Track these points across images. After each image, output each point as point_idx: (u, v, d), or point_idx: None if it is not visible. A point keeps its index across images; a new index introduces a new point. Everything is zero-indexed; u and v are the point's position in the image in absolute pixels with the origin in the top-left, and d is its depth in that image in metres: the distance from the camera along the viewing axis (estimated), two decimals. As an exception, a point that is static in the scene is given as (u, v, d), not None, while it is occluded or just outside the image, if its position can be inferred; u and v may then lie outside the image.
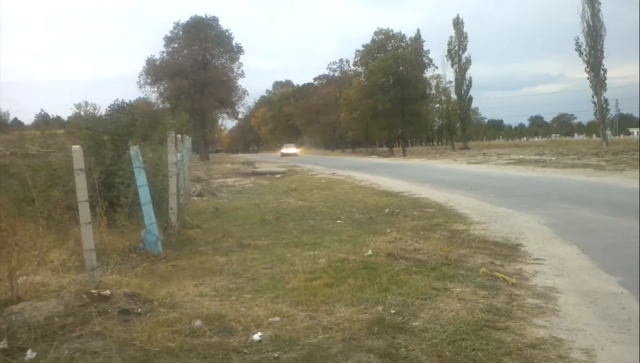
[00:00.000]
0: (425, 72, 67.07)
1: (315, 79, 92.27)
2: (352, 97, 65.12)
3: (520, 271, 7.39)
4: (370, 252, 7.89)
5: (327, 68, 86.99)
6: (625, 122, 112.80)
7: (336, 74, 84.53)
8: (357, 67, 74.18)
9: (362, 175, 26.40)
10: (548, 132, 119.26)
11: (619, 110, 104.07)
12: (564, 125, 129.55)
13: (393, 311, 5.46)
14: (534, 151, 45.82)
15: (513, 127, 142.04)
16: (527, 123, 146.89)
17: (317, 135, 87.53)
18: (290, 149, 70.28)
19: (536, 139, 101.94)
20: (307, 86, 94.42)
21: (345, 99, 66.68)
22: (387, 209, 13.28)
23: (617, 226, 10.55)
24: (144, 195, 8.60)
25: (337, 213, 13.23)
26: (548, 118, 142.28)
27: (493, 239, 9.52)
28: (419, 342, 4.71)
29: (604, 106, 50.59)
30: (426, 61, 67.11)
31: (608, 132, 60.11)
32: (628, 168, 25.28)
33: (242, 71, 62.29)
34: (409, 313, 5.44)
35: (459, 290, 6.25)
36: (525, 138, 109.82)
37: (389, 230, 10.15)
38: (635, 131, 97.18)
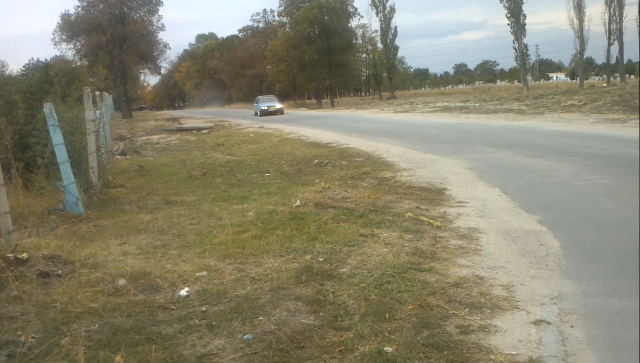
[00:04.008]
0: (350, 21, 66.77)
1: (239, 30, 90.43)
2: (278, 48, 64.18)
3: (445, 214, 7.57)
4: (298, 203, 7.88)
5: (250, 19, 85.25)
6: (545, 67, 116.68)
7: (261, 25, 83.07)
8: (281, 17, 72.92)
9: (291, 127, 26.28)
10: (472, 80, 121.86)
11: (539, 55, 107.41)
12: (487, 72, 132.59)
13: (321, 259, 5.49)
14: (459, 98, 46.77)
15: (438, 75, 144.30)
16: (451, 71, 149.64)
17: (244, 88, 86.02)
18: (272, 103, 45.86)
19: (460, 86, 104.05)
20: (231, 39, 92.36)
21: (271, 51, 65.64)
22: (316, 161, 13.29)
23: (537, 167, 10.96)
24: (61, 154, 8.22)
25: (265, 166, 13.14)
26: (472, 66, 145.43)
27: (419, 184, 9.70)
28: (346, 288, 4.76)
29: (525, 51, 51.98)
30: (351, 10, 66.69)
31: (529, 77, 62.06)
32: (547, 111, 26.25)
33: (163, 24, 60.25)
34: (337, 260, 5.49)
35: (385, 235, 6.35)
36: (450, 86, 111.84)
37: (317, 181, 10.17)
38: (554, 75, 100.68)
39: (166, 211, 8.30)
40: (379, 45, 67.67)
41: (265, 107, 44.24)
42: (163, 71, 75.83)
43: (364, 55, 77.59)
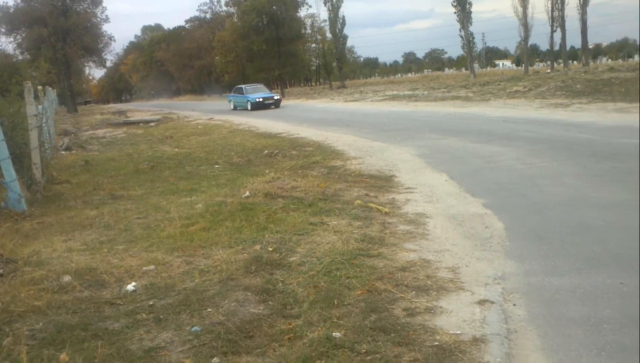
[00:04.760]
0: (299, 11, 66.48)
1: (186, 21, 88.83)
2: (226, 39, 63.45)
3: (393, 200, 7.66)
4: (247, 194, 7.84)
5: (197, 10, 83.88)
6: (492, 55, 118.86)
7: (208, 15, 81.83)
8: (229, 7, 71.99)
9: (240, 119, 26.09)
10: (421, 68, 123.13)
11: (485, 43, 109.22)
12: (436, 60, 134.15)
13: (271, 249, 5.49)
14: (408, 86, 47.30)
15: (388, 64, 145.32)
16: (401, 60, 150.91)
17: (192, 80, 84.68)
18: (265, 94, 35.87)
19: (410, 75, 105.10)
20: (178, 30, 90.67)
21: (219, 42, 64.84)
22: (266, 151, 13.24)
23: (482, 153, 11.19)
24: (1, 151, 7.96)
25: (215, 158, 13.02)
26: (420, 54, 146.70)
27: (368, 172, 9.78)
28: (295, 276, 4.78)
29: (471, 39, 52.97)
30: (299, 0, 66.48)
31: (476, 65, 63.20)
32: (493, 98, 26.80)
33: (107, 16, 58.81)
34: (287, 250, 5.49)
35: (335, 223, 6.38)
36: (399, 75, 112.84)
37: (267, 171, 10.14)
38: (501, 62, 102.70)
39: (112, 206, 8.14)
40: (328, 35, 67.79)
41: (260, 99, 33.92)
42: (109, 63, 73.78)
43: (314, 45, 77.48)
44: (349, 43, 71.66)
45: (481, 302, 4.17)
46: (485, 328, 3.76)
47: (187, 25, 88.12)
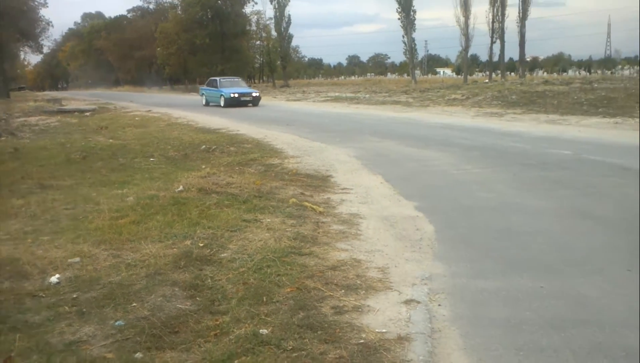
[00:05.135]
0: (245, 7, 66.03)
1: (128, 11, 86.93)
2: (169, 31, 62.35)
3: (328, 200, 7.70)
4: (181, 188, 7.72)
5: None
6: (433, 62, 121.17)
7: (151, 6, 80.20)
8: (173, -1, 70.87)
9: (180, 112, 25.65)
10: (364, 72, 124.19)
11: (427, 50, 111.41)
12: (379, 64, 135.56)
13: (201, 245, 5.42)
14: (350, 89, 47.68)
15: (332, 66, 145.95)
16: (345, 62, 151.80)
17: (132, 71, 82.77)
18: (243, 90, 31.16)
19: (353, 78, 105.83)
20: (120, 19, 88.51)
21: (161, 33, 63.61)
22: (204, 146, 13.08)
23: (418, 157, 11.41)
24: None
25: (150, 150, 12.75)
26: (364, 58, 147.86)
27: (305, 171, 9.80)
28: (225, 272, 4.74)
29: (414, 46, 53.86)
30: (246, -5, 66.01)
31: (417, 71, 64.35)
32: (432, 104, 27.37)
33: (45, 1, 56.56)
34: (218, 245, 5.44)
35: (268, 220, 6.36)
36: (343, 77, 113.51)
37: (203, 166, 10.01)
38: (441, 70, 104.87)
39: (40, 196, 7.85)
40: (273, 33, 67.60)
41: (235, 95, 29.19)
42: (45, 50, 71.47)
43: (258, 42, 77.15)
44: (294, 42, 71.69)
45: (408, 302, 4.24)
46: (410, 327, 3.82)
47: (129, 15, 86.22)
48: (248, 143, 13.81)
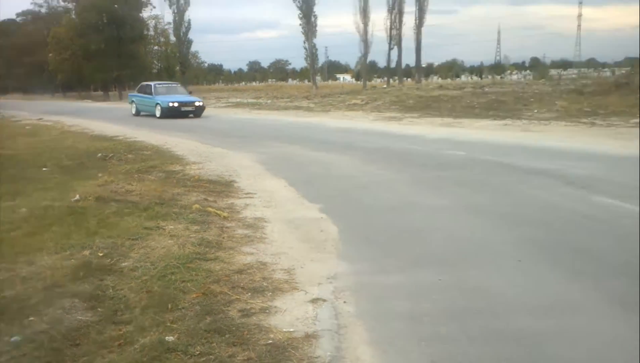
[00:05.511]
0: (142, 12, 64.19)
1: (18, 15, 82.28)
2: (62, 35, 59.51)
3: (232, 205, 7.66)
4: (77, 197, 7.42)
5: (31, 3, 77.82)
6: (333, 68, 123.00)
7: (43, 10, 76.36)
8: (67, 3, 67.69)
9: (74, 120, 24.57)
10: (265, 77, 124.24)
11: (327, 57, 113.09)
12: (280, 70, 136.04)
13: (101, 254, 5.23)
14: (252, 94, 47.60)
15: (232, 72, 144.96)
16: (245, 68, 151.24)
17: (22, 78, 78.32)
18: (185, 98, 26.55)
19: (254, 84, 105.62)
20: (8, 23, 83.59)
21: (54, 38, 60.61)
22: (100, 154, 12.60)
23: (321, 160, 11.58)
24: None
25: (43, 160, 12.12)
26: (265, 64, 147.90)
27: (207, 177, 9.69)
28: (128, 281, 4.61)
29: (315, 52, 54.54)
30: (143, 0, 64.23)
31: (318, 77, 65.13)
32: (333, 109, 27.86)
33: None
34: (119, 254, 5.27)
35: (171, 227, 6.24)
36: (243, 83, 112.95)
37: (100, 175, 9.66)
38: (342, 76, 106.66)
39: None
40: (172, 38, 66.18)
41: (174, 104, 24.99)
42: None
43: (156, 47, 75.23)
44: (193, 48, 70.27)
45: (314, 301, 4.31)
46: (317, 324, 3.89)
47: (18, 19, 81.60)
48: (147, 150, 13.46)
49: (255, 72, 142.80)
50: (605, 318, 3.89)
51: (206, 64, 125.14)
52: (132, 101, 28.16)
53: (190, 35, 63.61)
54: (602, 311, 4.00)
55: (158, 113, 25.14)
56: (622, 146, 12.55)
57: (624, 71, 29.71)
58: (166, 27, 68.27)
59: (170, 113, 24.59)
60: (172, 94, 26.59)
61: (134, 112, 27.48)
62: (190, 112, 25.37)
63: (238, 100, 39.41)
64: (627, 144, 12.72)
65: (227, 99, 42.05)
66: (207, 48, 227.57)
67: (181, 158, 12.09)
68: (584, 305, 4.14)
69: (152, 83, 27.74)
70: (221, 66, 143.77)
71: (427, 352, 3.50)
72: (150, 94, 26.35)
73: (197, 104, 25.88)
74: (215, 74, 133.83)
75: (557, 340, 3.60)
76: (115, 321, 3.90)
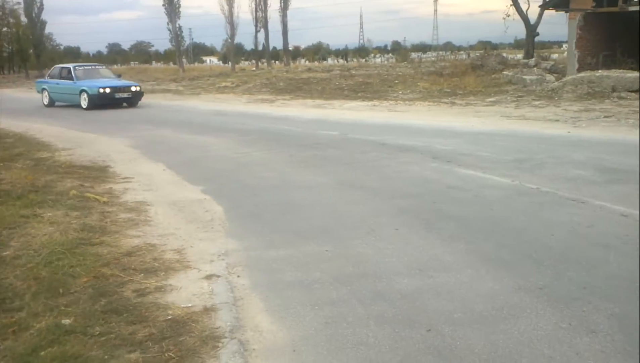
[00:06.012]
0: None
1: None
2: None
3: (111, 190, 7.51)
4: (-62, 188, 6.94)
5: None
6: (199, 51, 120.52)
7: None
8: None
9: None
10: (127, 60, 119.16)
11: (192, 39, 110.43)
12: (142, 53, 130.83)
13: (-23, 245, 5.01)
14: (115, 78, 45.57)
15: (91, 54, 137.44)
16: (105, 51, 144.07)
17: None
18: (119, 83, 21.80)
19: (115, 66, 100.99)
20: None
21: None
22: (-45, 143, 11.72)
23: (197, 143, 11.56)
24: None
25: None
26: (126, 46, 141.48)
27: (80, 163, 9.36)
28: (12, 270, 4.46)
29: (179, 33, 53.19)
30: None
31: (184, 60, 63.64)
32: (204, 92, 27.60)
33: None
34: (-3, 244, 5.07)
35: (50, 214, 6.04)
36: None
37: (-41, 164, 9.03)
38: (208, 59, 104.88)
39: None
40: (24, 19, 61.64)
41: (105, 90, 20.28)
42: None
43: (5, 28, 69.73)
44: (47, 29, 65.85)
45: (208, 277, 4.43)
46: (214, 298, 4.02)
47: None
48: (9, 137, 12.68)
49: (115, 55, 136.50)
50: (476, 275, 4.35)
51: (62, 47, 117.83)
52: (44, 89, 22.69)
53: (44, 17, 59.64)
54: (473, 269, 4.46)
55: (84, 103, 20.36)
56: (481, 123, 13.63)
57: (478, 54, 31.87)
58: (15, 7, 63.41)
59: (101, 101, 20.18)
60: (98, 78, 21.65)
61: (46, 102, 22.39)
62: (125, 99, 20.95)
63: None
64: (485, 121, 13.84)
65: (89, 83, 39.96)
66: (62, 30, 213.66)
67: (48, 145, 11.54)
68: (456, 264, 4.59)
69: (70, 65, 22.85)
70: (79, 48, 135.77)
71: (320, 314, 3.76)
72: (70, 79, 21.29)
73: (133, 89, 21.22)
74: (72, 57, 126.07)
75: (435, 296, 4.00)
76: (5, 309, 3.80)
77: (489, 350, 3.23)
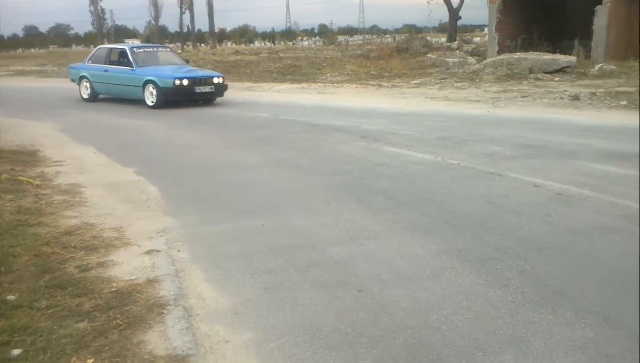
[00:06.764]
0: None
1: None
2: None
3: (43, 173, 7.45)
4: None
5: None
6: (120, 33, 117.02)
7: None
8: None
9: None
10: (45, 44, 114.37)
11: (114, 21, 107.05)
12: (62, 35, 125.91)
13: None
14: (34, 62, 43.81)
15: (6, 37, 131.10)
16: (21, 34, 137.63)
17: None
18: (184, 70, 15.19)
19: (33, 50, 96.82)
20: None
21: None
22: None
23: (127, 126, 11.55)
24: None
25: None
26: (43, 29, 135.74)
27: (8, 148, 9.17)
28: (-52, 252, 4.47)
29: (102, 16, 51.71)
30: None
31: (106, 42, 61.81)
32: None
33: None
34: None
35: (-18, 198, 6.00)
36: (20, 50, 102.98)
37: None
38: (130, 41, 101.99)
39: None
40: None
41: (183, 82, 14.22)
42: None
43: None
44: (-43, 10, 62.49)
45: (149, 252, 4.59)
46: (156, 271, 4.19)
47: None
48: None
49: (33, 38, 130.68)
50: (402, 241, 4.71)
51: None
52: (83, 77, 16.52)
53: (-46, -4, 56.32)
54: (400, 236, 4.82)
55: (150, 99, 14.55)
56: (406, 103, 14.15)
57: (403, 37, 32.59)
58: None
59: (176, 97, 14.46)
60: (168, 65, 15.73)
61: (86, 96, 16.45)
62: (207, 94, 14.88)
63: (20, 68, 36.21)
64: (410, 102, 14.37)
65: (6, 67, 38.33)
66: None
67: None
68: (384, 233, 4.93)
69: (125, 46, 17.33)
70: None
71: (259, 281, 4.00)
72: (127, 65, 15.36)
73: (216, 81, 15.07)
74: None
75: (365, 261, 4.32)
76: (-53, 288, 3.85)
77: (414, 304, 3.58)
